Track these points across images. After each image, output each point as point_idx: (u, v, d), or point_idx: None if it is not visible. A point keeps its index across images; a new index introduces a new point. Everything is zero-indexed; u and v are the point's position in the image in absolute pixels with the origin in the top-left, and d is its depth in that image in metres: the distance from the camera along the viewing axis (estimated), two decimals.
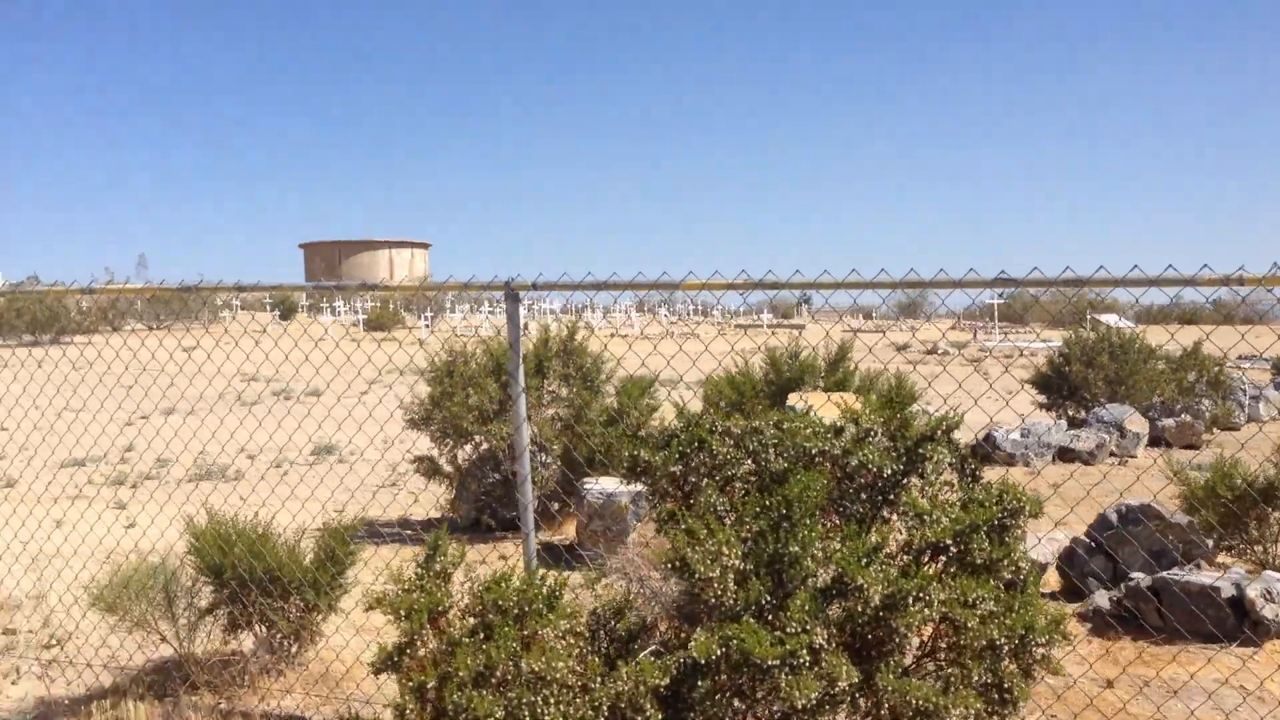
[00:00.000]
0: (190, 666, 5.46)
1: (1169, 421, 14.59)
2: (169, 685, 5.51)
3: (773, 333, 46.54)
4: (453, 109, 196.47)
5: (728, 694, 3.29)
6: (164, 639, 5.64)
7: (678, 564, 3.40)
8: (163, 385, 15.78)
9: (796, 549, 3.37)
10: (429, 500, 10.39)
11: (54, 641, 6.45)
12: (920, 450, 3.66)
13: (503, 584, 3.72)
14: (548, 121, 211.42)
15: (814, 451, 3.74)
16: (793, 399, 9.62)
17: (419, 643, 3.55)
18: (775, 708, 3.33)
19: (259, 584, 5.29)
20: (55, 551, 7.96)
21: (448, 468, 8.61)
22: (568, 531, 8.98)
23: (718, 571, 3.34)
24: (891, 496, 3.68)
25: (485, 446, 8.65)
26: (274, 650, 5.48)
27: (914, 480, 3.67)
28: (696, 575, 3.34)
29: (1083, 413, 15.40)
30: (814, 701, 3.14)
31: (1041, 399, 16.50)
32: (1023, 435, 12.91)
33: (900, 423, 3.85)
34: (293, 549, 5.62)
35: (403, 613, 3.61)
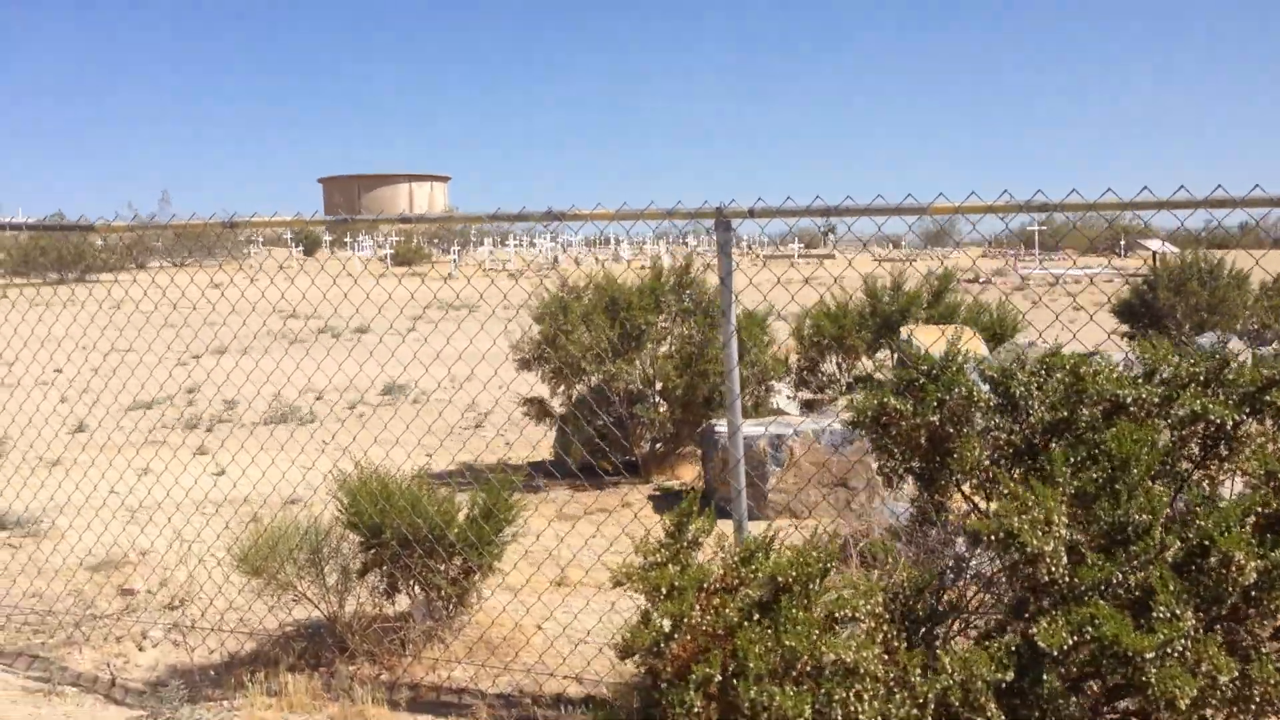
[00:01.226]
0: (344, 633, 5.02)
1: (1267, 349, 14.02)
2: (321, 653, 5.09)
3: (803, 262, 45.72)
4: (470, 40, 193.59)
5: (1075, 689, 2.81)
6: (310, 602, 5.21)
7: (1000, 535, 2.89)
8: (210, 324, 15.31)
9: (1145, 516, 2.86)
10: (523, 444, 9.94)
11: (176, 602, 6.04)
12: (1265, 398, 3.13)
13: (765, 556, 3.24)
14: (567, 48, 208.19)
15: (1128, 400, 3.21)
16: (912, 333, 9.08)
17: (684, 626, 3.07)
18: (1129, 704, 2.85)
19: (423, 543, 4.83)
20: (152, 502, 7.55)
21: (559, 409, 8.13)
22: (683, 475, 8.52)
23: (1050, 545, 2.84)
24: (1224, 451, 3.16)
25: (593, 386, 8.17)
26: (434, 615, 5.04)
27: (1252, 431, 3.14)
28: (1027, 549, 2.84)
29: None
30: (1190, 700, 2.65)
31: (1124, 328, 15.92)
32: None
33: (1217, 365, 3.31)
34: (443, 505, 5.16)
35: (662, 590, 3.13)
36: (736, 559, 3.27)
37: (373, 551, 4.98)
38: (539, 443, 10.07)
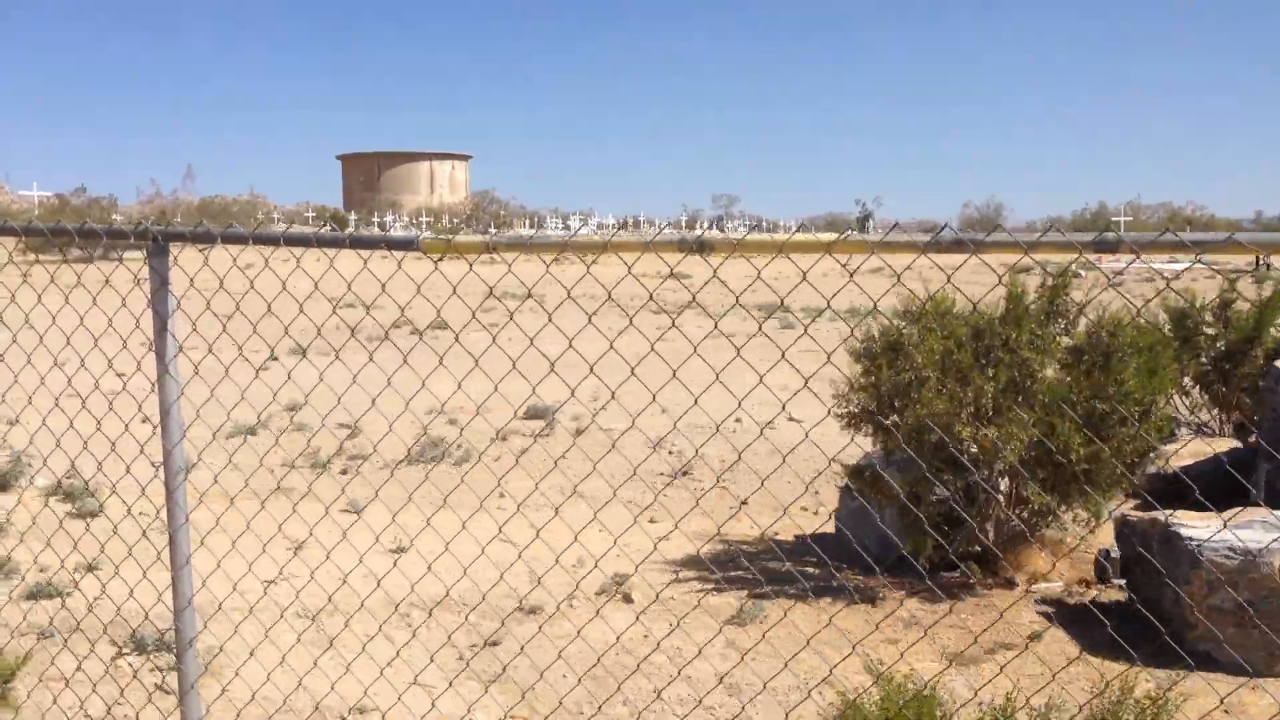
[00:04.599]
0: None
1: None
2: None
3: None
4: (491, 18, 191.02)
5: None
6: None
7: None
8: (260, 314, 12.98)
9: None
10: (765, 504, 7.65)
11: None
12: None
13: None
14: (588, 27, 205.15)
15: None
16: None
17: None
18: None
19: None
20: (333, 604, 5.29)
21: (898, 488, 5.82)
22: (1039, 566, 6.22)
23: None
24: None
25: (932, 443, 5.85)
26: None
27: None
28: None
29: None
30: None
31: None
32: None
33: None
34: None
35: None
36: None
37: None
38: (792, 503, 7.76)
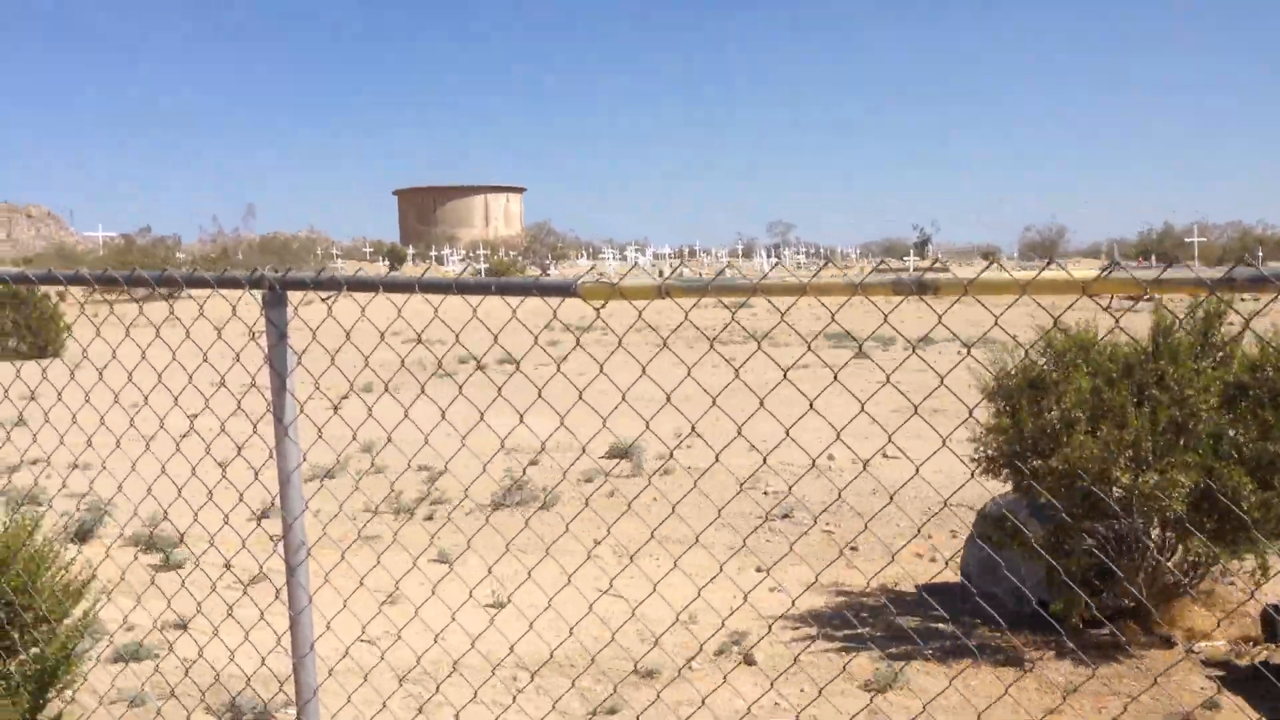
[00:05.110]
0: None
1: None
2: None
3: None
4: (547, 52, 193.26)
5: None
6: None
7: None
8: (323, 351, 12.75)
9: None
10: (874, 551, 7.19)
11: None
12: None
13: None
14: (638, 66, 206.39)
15: None
16: None
17: None
18: None
19: None
20: (430, 666, 4.93)
21: (1037, 539, 5.36)
22: (1195, 624, 5.71)
23: None
24: None
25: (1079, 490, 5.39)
26: None
27: None
28: None
29: None
30: None
31: None
32: None
33: None
34: None
35: None
36: None
37: None
38: (902, 548, 7.31)
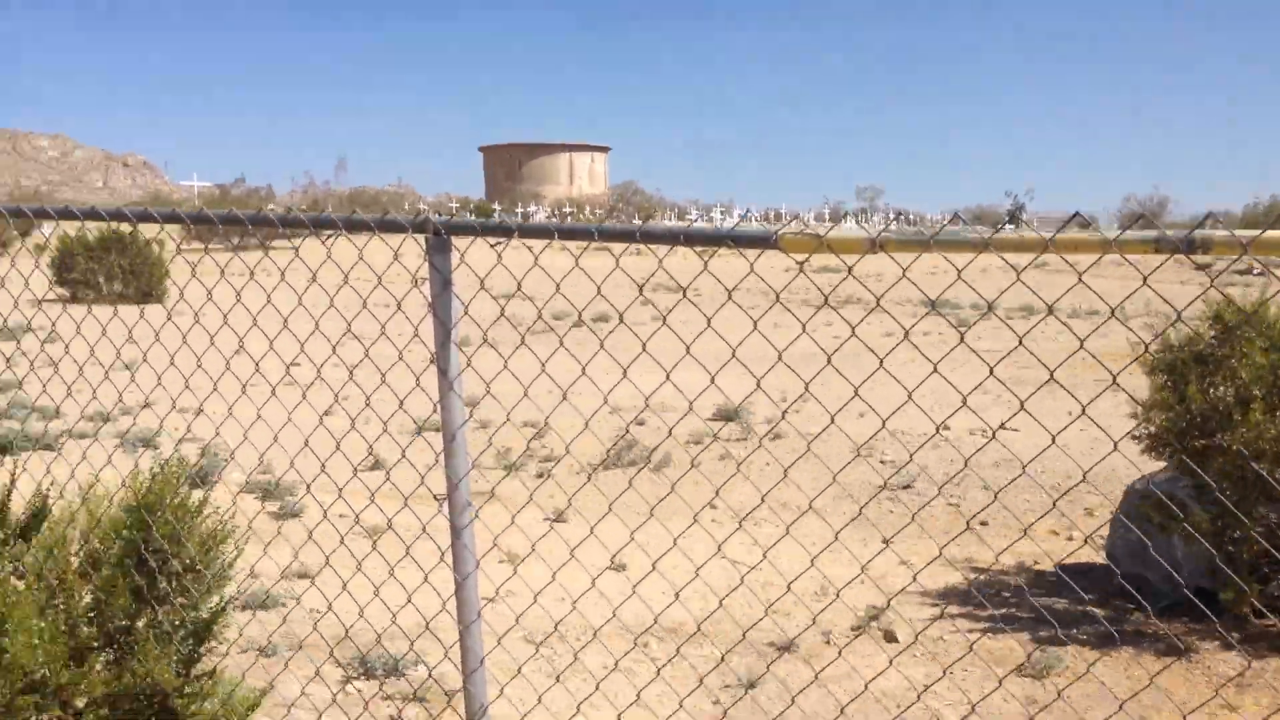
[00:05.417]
0: None
1: None
2: None
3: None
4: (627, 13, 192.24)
5: None
6: None
7: None
8: (413, 304, 12.62)
9: None
10: (1002, 526, 6.88)
11: None
12: None
13: None
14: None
15: None
16: None
17: None
18: None
19: None
20: (567, 629, 4.77)
21: (1201, 514, 5.02)
22: None
23: None
24: None
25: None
26: None
27: None
28: None
29: None
30: None
31: None
32: None
33: None
34: None
35: None
36: None
37: None
38: (1033, 523, 6.99)
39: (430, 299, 2.84)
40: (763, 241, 2.21)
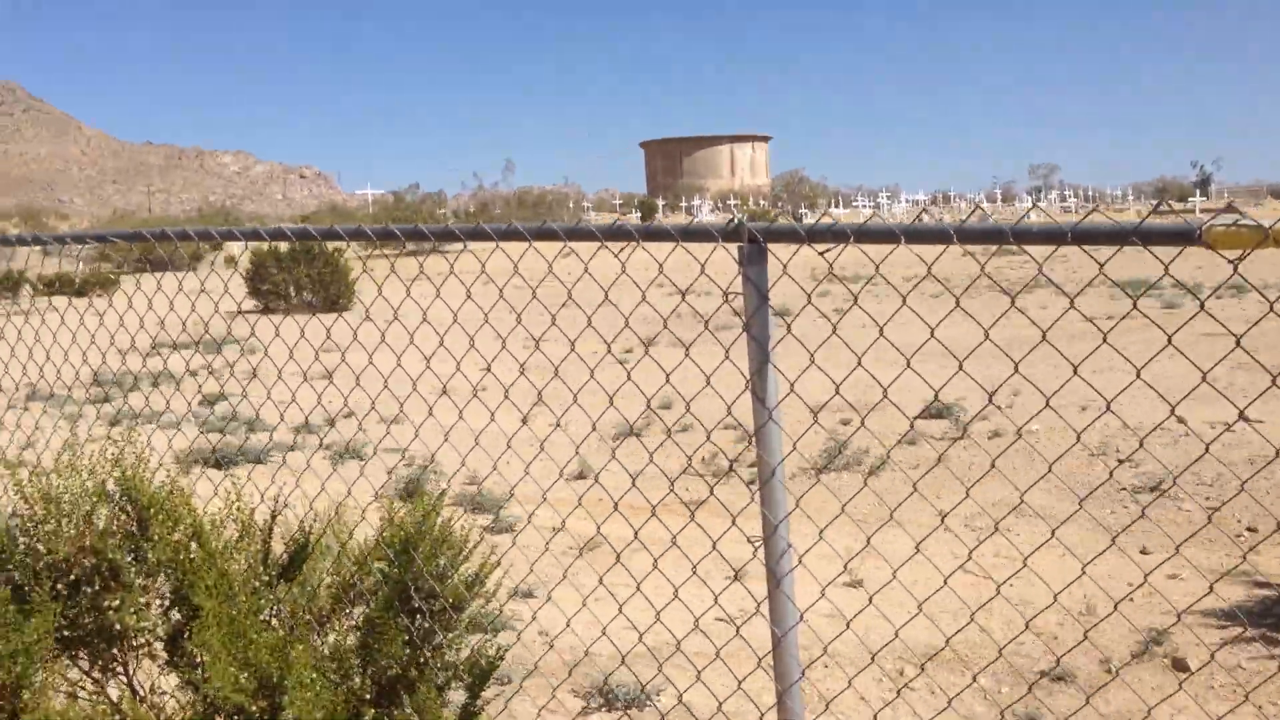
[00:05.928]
0: None
1: None
2: None
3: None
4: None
5: None
6: None
7: None
8: (613, 307, 12.37)
9: None
10: None
11: None
12: None
13: None
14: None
15: None
16: None
17: None
18: None
19: None
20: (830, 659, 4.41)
21: None
22: None
23: None
24: None
25: None
26: None
27: None
28: None
29: None
30: None
31: None
32: None
33: None
34: None
35: None
36: None
37: None
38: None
39: (744, 316, 2.51)
40: (1183, 237, 1.81)
